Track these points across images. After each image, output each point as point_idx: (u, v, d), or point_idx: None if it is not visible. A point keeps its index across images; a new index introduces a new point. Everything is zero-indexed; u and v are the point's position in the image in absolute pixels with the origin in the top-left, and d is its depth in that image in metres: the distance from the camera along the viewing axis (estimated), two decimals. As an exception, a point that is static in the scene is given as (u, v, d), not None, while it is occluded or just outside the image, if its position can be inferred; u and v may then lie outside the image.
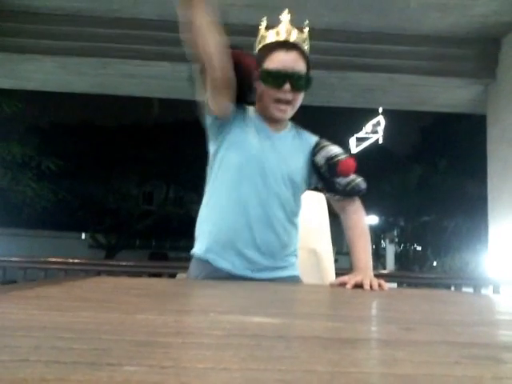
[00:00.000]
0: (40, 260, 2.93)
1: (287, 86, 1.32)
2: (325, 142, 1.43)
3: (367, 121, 17.86)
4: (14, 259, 3.02)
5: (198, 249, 1.40)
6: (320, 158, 1.38)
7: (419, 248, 17.66)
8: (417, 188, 15.84)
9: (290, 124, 1.48)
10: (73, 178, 16.30)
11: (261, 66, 1.35)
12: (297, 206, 1.42)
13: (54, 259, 2.93)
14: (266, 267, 1.34)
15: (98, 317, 0.59)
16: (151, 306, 0.74)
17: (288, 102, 1.35)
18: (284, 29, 1.37)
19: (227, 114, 1.33)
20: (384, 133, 16.99)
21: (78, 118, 19.16)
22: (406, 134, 16.73)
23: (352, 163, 1.38)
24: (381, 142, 19.57)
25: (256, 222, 1.32)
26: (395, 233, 18.74)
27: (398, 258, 16.77)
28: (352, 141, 19.72)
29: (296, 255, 1.46)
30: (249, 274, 1.32)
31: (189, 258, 1.44)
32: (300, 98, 1.38)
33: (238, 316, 0.66)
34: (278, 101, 1.34)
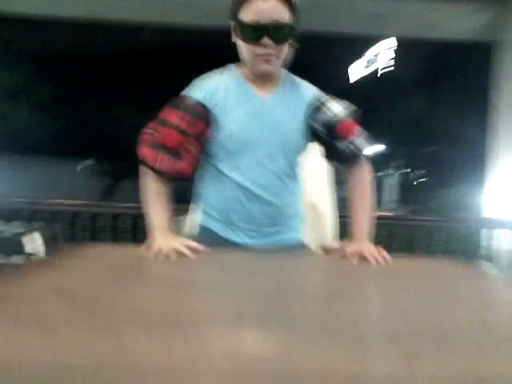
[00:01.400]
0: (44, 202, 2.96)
1: (266, 40, 1.17)
2: (323, 99, 1.28)
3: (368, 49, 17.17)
4: (15, 199, 3.03)
5: (200, 216, 1.38)
6: (317, 120, 1.26)
7: (419, 178, 17.72)
8: (418, 118, 15.56)
9: (283, 76, 1.32)
10: (70, 107, 15.99)
11: (236, 17, 1.20)
12: (294, 169, 1.36)
13: (51, 200, 2.97)
14: (265, 233, 1.33)
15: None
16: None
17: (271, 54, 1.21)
18: None
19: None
20: (386, 62, 16.39)
21: (72, 43, 18.35)
22: (409, 63, 16.14)
23: (351, 124, 1.27)
24: (381, 71, 18.93)
25: (250, 195, 1.28)
26: (395, 163, 18.68)
27: (399, 187, 16.86)
28: (352, 69, 19.06)
29: (298, 216, 1.42)
30: (250, 241, 1.32)
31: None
32: (285, 49, 1.23)
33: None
34: (259, 55, 1.21)
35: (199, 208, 1.40)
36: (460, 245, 3.60)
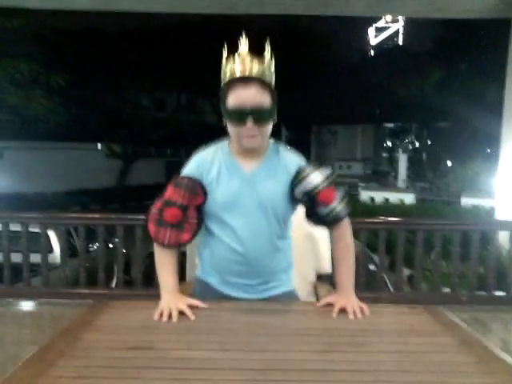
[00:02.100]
0: (60, 216, 3.12)
1: (250, 123, 1.33)
2: (305, 171, 1.40)
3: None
4: (34, 215, 3.20)
5: (200, 271, 1.56)
6: (299, 192, 1.39)
7: (433, 153, 17.50)
8: (434, 93, 15.27)
9: (270, 148, 1.47)
10: (83, 90, 16.12)
11: (224, 103, 1.36)
12: (285, 229, 1.49)
13: (69, 214, 3.13)
14: (259, 290, 1.48)
15: None
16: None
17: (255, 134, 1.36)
18: (242, 62, 1.34)
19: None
20: (403, 35, 16.01)
21: (82, 24, 18.28)
22: (426, 36, 15.77)
23: (331, 193, 1.39)
24: (401, 32, 18.40)
25: (242, 258, 1.43)
26: (410, 138, 18.49)
27: (412, 163, 16.70)
28: (371, 31, 18.63)
29: (289, 269, 1.56)
30: (244, 295, 1.47)
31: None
32: (267, 128, 1.39)
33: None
34: (244, 135, 1.36)
35: (199, 264, 1.56)
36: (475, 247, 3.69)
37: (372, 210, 10.75)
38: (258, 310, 1.38)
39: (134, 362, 1.02)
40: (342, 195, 1.43)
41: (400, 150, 16.47)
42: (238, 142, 1.39)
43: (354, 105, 17.79)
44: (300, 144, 23.14)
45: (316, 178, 1.39)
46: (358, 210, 10.59)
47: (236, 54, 1.36)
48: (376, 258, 3.91)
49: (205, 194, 1.41)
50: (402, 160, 15.85)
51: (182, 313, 1.28)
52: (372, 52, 18.33)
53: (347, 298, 1.37)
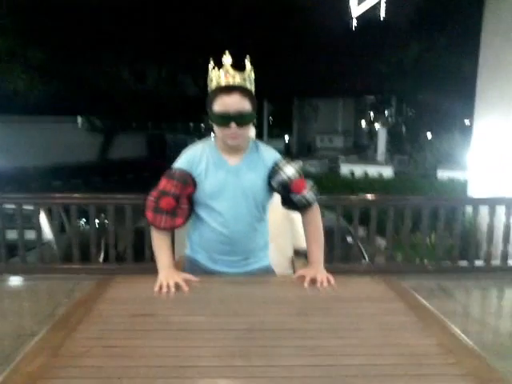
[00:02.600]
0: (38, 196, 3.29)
1: (233, 125, 1.55)
2: (279, 163, 1.64)
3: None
4: (27, 195, 3.36)
5: (189, 250, 1.80)
6: (275, 182, 1.63)
7: (412, 127, 17.78)
8: (413, 67, 15.43)
9: (250, 145, 1.69)
10: (63, 64, 15.80)
11: (210, 107, 1.59)
12: (263, 213, 1.72)
13: (61, 195, 3.31)
14: (241, 265, 1.73)
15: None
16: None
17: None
18: (226, 73, 1.56)
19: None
20: (385, 8, 15.93)
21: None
22: (406, 9, 15.81)
23: (302, 183, 1.63)
24: (382, 5, 18.33)
25: (226, 238, 1.67)
26: (389, 112, 18.72)
27: (391, 136, 16.98)
28: (352, 3, 18.47)
29: (266, 247, 1.81)
30: (228, 270, 1.72)
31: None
32: (248, 129, 1.62)
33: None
34: (228, 134, 1.59)
35: (188, 244, 1.80)
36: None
37: (351, 184, 11.01)
38: (242, 282, 1.62)
39: (141, 326, 1.24)
40: (310, 185, 1.67)
41: (380, 124, 16.71)
42: (223, 140, 1.62)
43: (336, 78, 17.85)
44: (282, 117, 23.25)
45: (289, 170, 1.63)
46: (338, 184, 10.88)
47: (222, 66, 1.58)
48: (353, 229, 4.21)
49: (194, 184, 1.63)
50: (382, 133, 16.09)
51: (178, 287, 1.51)
52: (353, 25, 18.23)
53: (317, 270, 1.62)
